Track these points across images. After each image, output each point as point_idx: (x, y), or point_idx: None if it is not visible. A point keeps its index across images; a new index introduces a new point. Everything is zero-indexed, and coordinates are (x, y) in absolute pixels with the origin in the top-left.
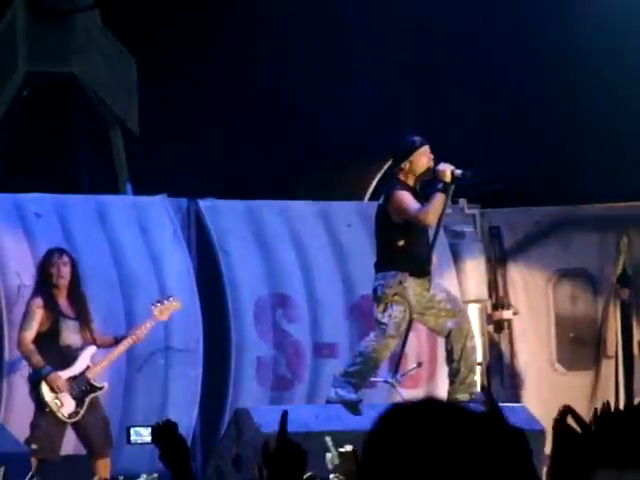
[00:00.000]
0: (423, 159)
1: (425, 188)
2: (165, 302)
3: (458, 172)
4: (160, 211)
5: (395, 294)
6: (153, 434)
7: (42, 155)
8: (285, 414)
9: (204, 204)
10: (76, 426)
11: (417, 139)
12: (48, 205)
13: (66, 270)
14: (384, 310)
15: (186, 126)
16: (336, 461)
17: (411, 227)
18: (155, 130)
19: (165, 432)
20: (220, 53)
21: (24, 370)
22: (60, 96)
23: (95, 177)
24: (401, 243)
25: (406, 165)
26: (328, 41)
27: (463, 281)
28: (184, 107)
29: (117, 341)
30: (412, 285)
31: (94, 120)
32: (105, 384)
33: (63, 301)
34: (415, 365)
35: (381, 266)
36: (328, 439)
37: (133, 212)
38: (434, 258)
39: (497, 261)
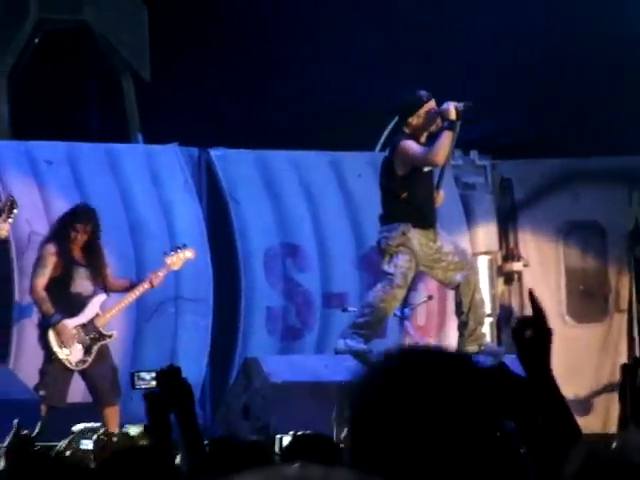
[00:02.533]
0: (429, 112)
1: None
2: (178, 251)
3: (460, 105)
4: (171, 160)
5: (398, 245)
6: (157, 379)
7: (53, 103)
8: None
9: (215, 153)
10: (84, 374)
11: (424, 93)
12: (59, 152)
13: (85, 235)
14: (389, 261)
15: (198, 74)
16: None
17: (414, 179)
18: (167, 78)
19: (169, 377)
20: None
21: (34, 317)
22: (71, 43)
23: (106, 125)
24: (404, 195)
25: (413, 120)
26: None
27: (474, 233)
28: (196, 55)
29: (132, 285)
30: (416, 235)
31: (105, 67)
32: (114, 332)
33: (77, 249)
34: (425, 298)
35: (385, 219)
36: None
37: (144, 160)
38: (440, 194)
39: (508, 213)
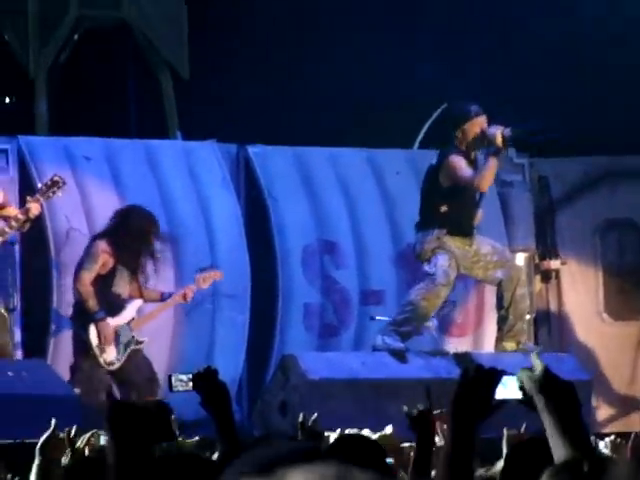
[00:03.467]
0: (476, 129)
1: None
2: (207, 271)
3: (507, 131)
4: (209, 156)
5: (434, 249)
6: (194, 381)
7: (92, 99)
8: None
9: (253, 150)
10: (114, 374)
11: (473, 109)
12: (98, 149)
13: (137, 240)
14: (429, 261)
15: (236, 71)
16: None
17: (457, 194)
18: (205, 75)
19: (206, 379)
20: None
21: (69, 312)
22: (110, 40)
23: (144, 122)
24: (444, 209)
25: (459, 133)
26: None
27: (511, 230)
28: (235, 52)
29: (162, 298)
30: (451, 240)
31: (144, 64)
32: (145, 339)
33: (125, 250)
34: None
35: (422, 226)
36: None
37: (182, 157)
38: (479, 213)
39: (545, 211)
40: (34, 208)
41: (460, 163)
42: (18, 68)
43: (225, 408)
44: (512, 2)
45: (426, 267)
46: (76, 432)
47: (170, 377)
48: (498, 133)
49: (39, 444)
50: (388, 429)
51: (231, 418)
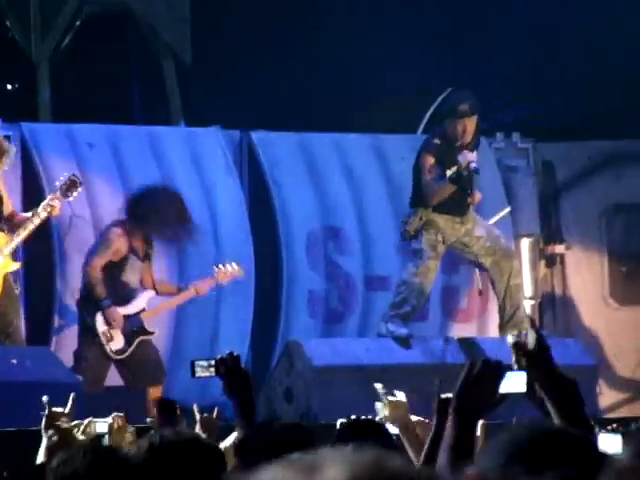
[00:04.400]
0: (458, 128)
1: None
2: (229, 267)
3: (473, 166)
4: (213, 142)
5: (416, 229)
6: (217, 367)
7: (94, 86)
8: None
9: (257, 136)
10: (121, 363)
11: (462, 107)
12: (101, 135)
13: (154, 226)
14: (415, 238)
15: (239, 57)
16: (385, 412)
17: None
18: (208, 61)
19: (229, 364)
20: None
21: (74, 299)
22: (113, 26)
23: (148, 108)
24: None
25: (448, 124)
26: None
27: (516, 215)
28: (237, 38)
29: (178, 291)
30: (436, 218)
31: (146, 50)
32: (156, 330)
33: (139, 238)
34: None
35: (412, 205)
36: (379, 386)
37: (186, 143)
38: (477, 194)
39: (550, 195)
40: (56, 209)
41: (426, 164)
42: (20, 54)
43: (247, 393)
44: None
45: (413, 244)
46: (72, 405)
47: (192, 363)
48: (465, 162)
49: (42, 424)
50: (401, 396)
51: (252, 403)
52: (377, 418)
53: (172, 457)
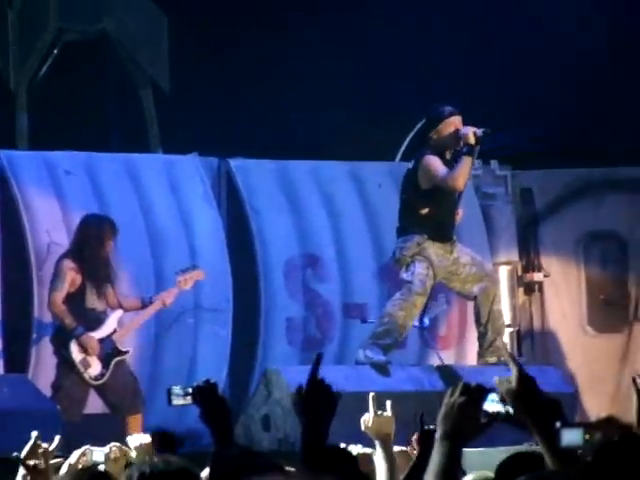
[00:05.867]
0: (450, 129)
1: (455, 156)
2: (189, 271)
3: (479, 132)
4: (190, 170)
5: (413, 254)
6: (194, 395)
7: (72, 113)
8: (320, 355)
9: (235, 163)
10: (101, 389)
11: (446, 109)
12: (78, 163)
13: (102, 249)
14: (407, 269)
15: (217, 85)
16: (370, 423)
17: (437, 195)
18: (186, 88)
19: (206, 392)
20: (253, 9)
21: (50, 329)
22: (91, 54)
23: (125, 135)
24: (425, 211)
25: (433, 134)
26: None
27: (494, 243)
28: (215, 65)
29: (144, 305)
30: (432, 246)
31: (125, 78)
32: (130, 349)
33: (92, 264)
34: (444, 306)
35: (401, 230)
36: (371, 395)
37: (163, 170)
38: (459, 212)
39: (528, 223)
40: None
41: (435, 162)
42: None
43: (224, 421)
44: (494, 13)
45: (403, 275)
46: (58, 445)
47: (169, 390)
48: (470, 132)
49: (22, 455)
50: (389, 412)
51: (230, 431)
52: (362, 428)
53: None
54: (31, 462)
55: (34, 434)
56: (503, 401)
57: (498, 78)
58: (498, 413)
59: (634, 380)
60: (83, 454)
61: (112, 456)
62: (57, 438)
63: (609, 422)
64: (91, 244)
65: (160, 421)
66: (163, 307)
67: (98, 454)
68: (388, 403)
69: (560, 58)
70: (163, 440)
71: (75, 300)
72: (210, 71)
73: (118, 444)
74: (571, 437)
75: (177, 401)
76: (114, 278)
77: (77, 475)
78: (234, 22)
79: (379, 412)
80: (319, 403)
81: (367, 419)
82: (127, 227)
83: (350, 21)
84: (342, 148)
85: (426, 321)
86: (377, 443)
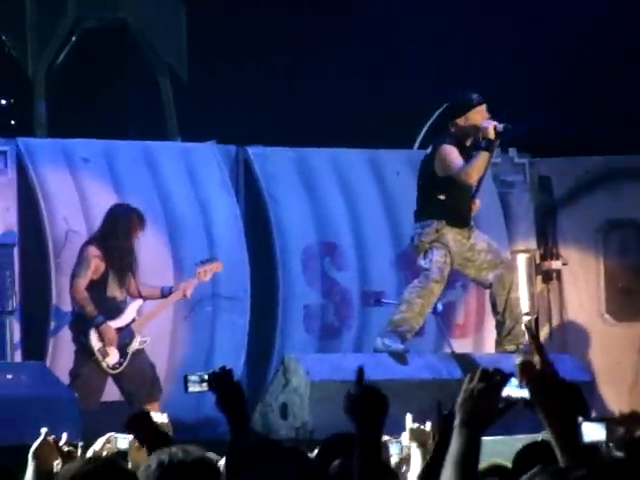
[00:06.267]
0: (478, 117)
1: (474, 148)
2: (208, 263)
3: (500, 127)
4: (208, 158)
5: (432, 241)
6: (210, 382)
7: (90, 101)
8: (361, 369)
9: (253, 151)
10: (118, 377)
11: (475, 97)
12: (96, 150)
13: (127, 239)
14: (425, 256)
15: (236, 73)
16: (408, 436)
17: (454, 183)
18: (204, 76)
19: (222, 379)
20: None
21: (69, 316)
22: (109, 42)
23: (143, 123)
24: (442, 197)
25: (461, 121)
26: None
27: (512, 231)
28: (234, 53)
29: (163, 295)
30: (450, 232)
31: (143, 66)
32: (148, 338)
33: (116, 253)
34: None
35: (419, 216)
36: (409, 418)
37: (181, 158)
38: (477, 202)
39: (546, 211)
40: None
41: (452, 153)
42: (16, 69)
43: (240, 408)
44: (514, 2)
45: (421, 262)
46: (67, 440)
47: (185, 378)
48: (491, 127)
49: (31, 450)
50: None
51: (245, 418)
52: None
53: (181, 476)
54: (65, 449)
55: (44, 430)
56: (522, 386)
57: (516, 66)
58: (518, 398)
59: None
60: (108, 441)
61: (136, 444)
62: (64, 435)
63: (632, 417)
64: (118, 234)
65: (178, 409)
66: (183, 299)
67: (122, 441)
68: (408, 418)
69: (582, 43)
70: (138, 422)
71: (97, 288)
72: (228, 59)
73: None
74: (594, 432)
75: (193, 388)
76: (136, 268)
77: (84, 463)
78: (252, 10)
79: (415, 426)
80: (370, 408)
81: (404, 436)
82: (145, 214)
83: (368, 8)
84: (360, 136)
85: (439, 306)
86: (414, 445)
